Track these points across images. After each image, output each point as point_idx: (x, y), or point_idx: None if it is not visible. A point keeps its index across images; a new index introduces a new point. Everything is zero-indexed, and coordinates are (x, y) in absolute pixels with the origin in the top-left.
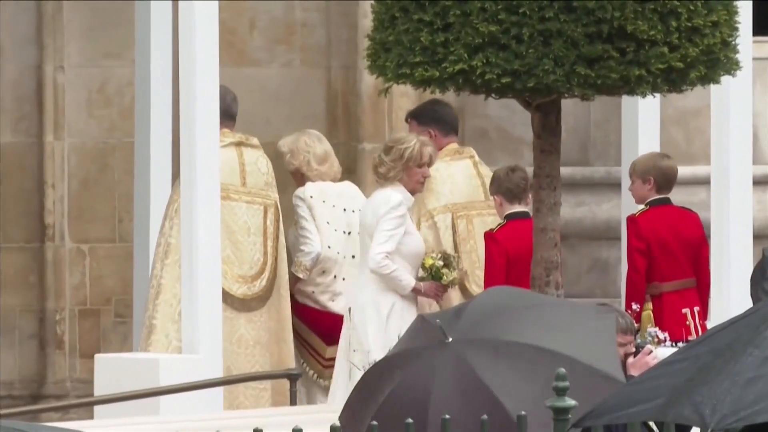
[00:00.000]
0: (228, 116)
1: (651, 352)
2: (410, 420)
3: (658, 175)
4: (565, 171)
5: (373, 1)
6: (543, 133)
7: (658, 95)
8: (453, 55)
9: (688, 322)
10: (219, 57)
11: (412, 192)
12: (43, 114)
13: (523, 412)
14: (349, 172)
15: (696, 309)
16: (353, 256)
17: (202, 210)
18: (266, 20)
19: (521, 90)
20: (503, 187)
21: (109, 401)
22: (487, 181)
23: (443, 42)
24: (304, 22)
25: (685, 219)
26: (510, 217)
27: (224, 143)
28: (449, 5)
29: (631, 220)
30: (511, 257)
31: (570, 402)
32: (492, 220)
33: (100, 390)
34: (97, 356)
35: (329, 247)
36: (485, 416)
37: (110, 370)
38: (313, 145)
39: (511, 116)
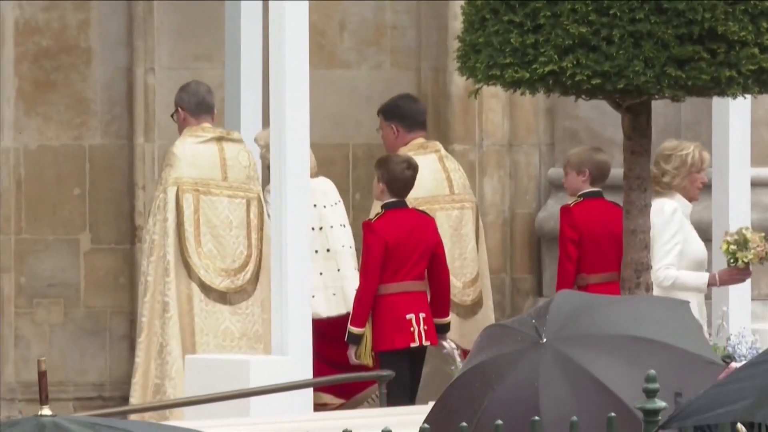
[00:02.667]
0: (205, 109)
1: None
2: (500, 422)
3: (593, 168)
4: None
5: (463, 3)
6: (633, 134)
7: (748, 96)
8: (543, 56)
9: None
10: (309, 59)
11: (691, 198)
12: (134, 116)
13: (613, 414)
14: None
15: None
16: (327, 250)
17: (292, 212)
18: (356, 22)
19: (611, 91)
20: (394, 183)
21: (200, 402)
22: (453, 176)
23: (533, 43)
24: (394, 24)
25: (615, 214)
26: (388, 207)
27: (204, 138)
28: (539, 7)
29: (566, 209)
30: (390, 247)
31: (660, 404)
32: (456, 214)
33: (190, 391)
34: (187, 357)
35: None
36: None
37: (201, 371)
38: None
39: (602, 117)
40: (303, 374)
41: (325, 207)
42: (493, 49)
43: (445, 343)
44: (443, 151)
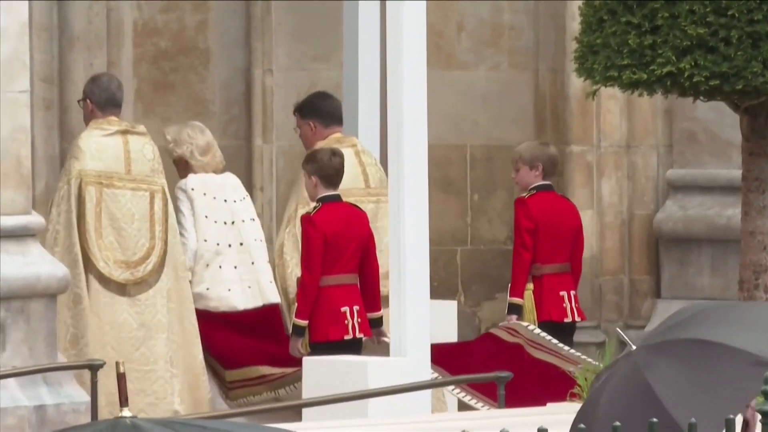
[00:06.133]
0: (113, 104)
1: None
2: (582, 426)
3: (546, 162)
4: None
5: (581, 4)
6: (752, 135)
7: None
8: (661, 57)
9: (564, 305)
10: (426, 59)
11: None
12: (252, 117)
13: (693, 420)
14: (558, 174)
15: (572, 292)
16: (240, 244)
17: (410, 212)
18: (474, 23)
19: (729, 92)
20: (324, 171)
21: (318, 404)
22: (369, 170)
23: (651, 44)
24: (511, 25)
25: (565, 206)
26: (324, 200)
27: (109, 131)
28: (657, 7)
29: (521, 201)
30: (328, 239)
31: None
32: (372, 207)
33: (308, 392)
34: (305, 359)
35: (205, 240)
36: (655, 419)
37: (319, 372)
38: (196, 137)
39: (720, 119)
40: (421, 375)
41: (235, 201)
42: (610, 50)
43: (385, 339)
44: (360, 146)
